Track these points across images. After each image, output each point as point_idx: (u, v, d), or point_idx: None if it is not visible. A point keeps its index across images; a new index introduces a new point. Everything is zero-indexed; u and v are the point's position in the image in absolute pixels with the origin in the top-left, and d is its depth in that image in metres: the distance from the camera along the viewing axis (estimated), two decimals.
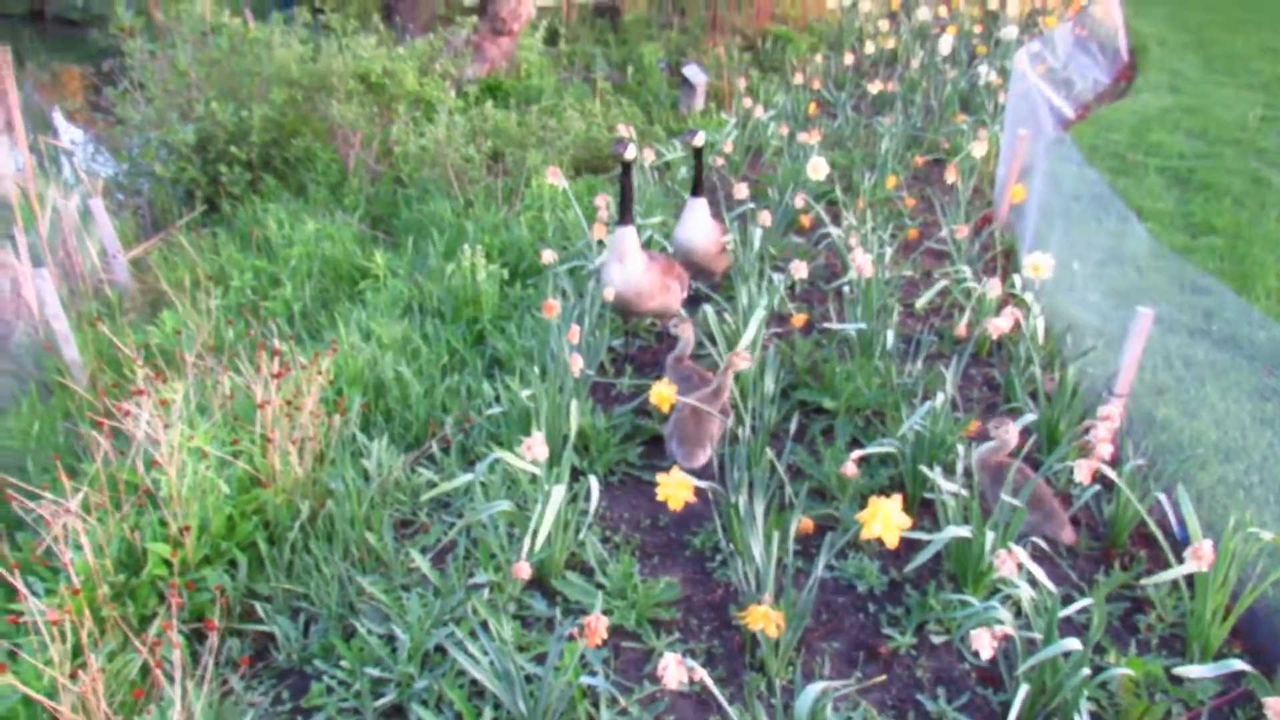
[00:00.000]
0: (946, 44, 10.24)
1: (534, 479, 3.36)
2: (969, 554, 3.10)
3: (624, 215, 4.39)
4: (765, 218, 5.28)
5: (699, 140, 5.03)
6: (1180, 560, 2.76)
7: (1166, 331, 4.32)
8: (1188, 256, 5.95)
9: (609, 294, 4.39)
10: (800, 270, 4.65)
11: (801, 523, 3.31)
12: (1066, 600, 3.00)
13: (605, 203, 5.52)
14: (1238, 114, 9.57)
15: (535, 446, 2.96)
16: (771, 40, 12.26)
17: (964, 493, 3.18)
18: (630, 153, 4.36)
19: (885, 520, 2.43)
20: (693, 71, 9.78)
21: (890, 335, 4.45)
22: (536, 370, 3.93)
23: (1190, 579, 3.07)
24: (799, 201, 6.01)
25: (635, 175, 6.04)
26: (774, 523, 3.29)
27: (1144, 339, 3.66)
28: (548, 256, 4.85)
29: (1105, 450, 3.02)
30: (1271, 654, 2.98)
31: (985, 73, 9.51)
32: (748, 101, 8.56)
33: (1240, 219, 6.73)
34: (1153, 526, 3.11)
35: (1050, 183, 5.55)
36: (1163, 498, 3.26)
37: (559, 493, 3.11)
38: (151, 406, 3.36)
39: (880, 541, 3.08)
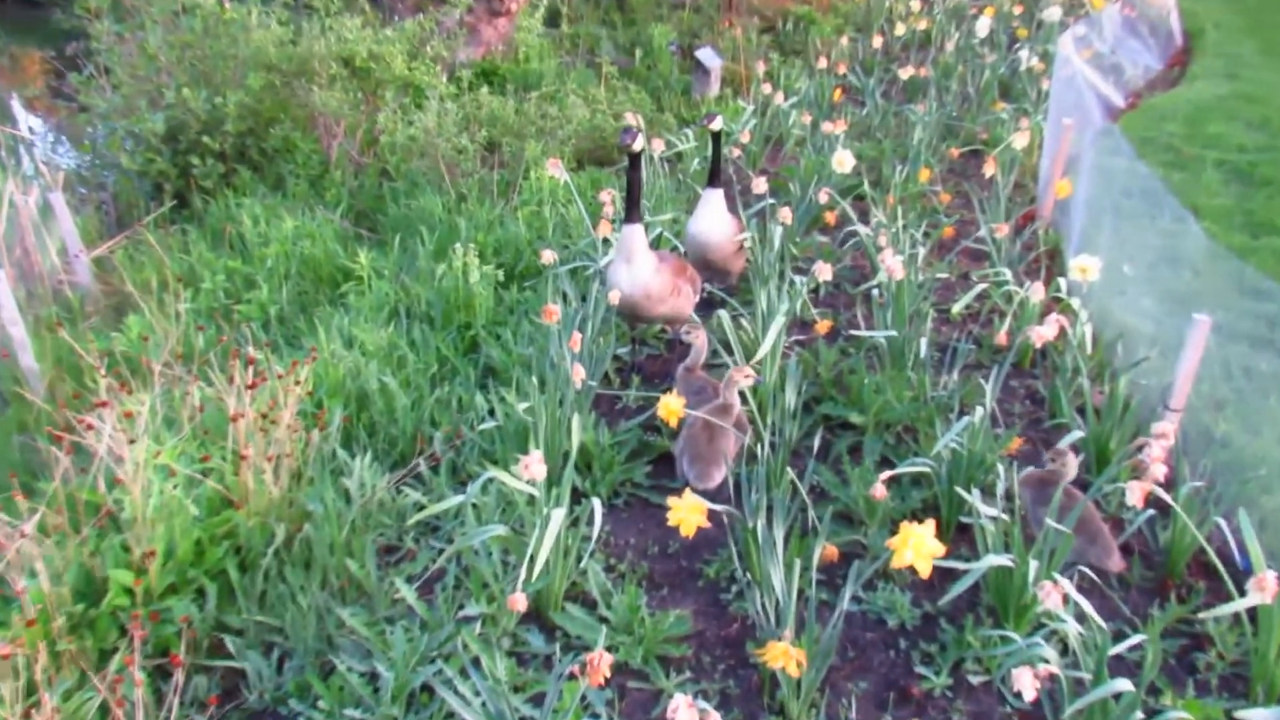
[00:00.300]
0: (984, 26, 10.22)
1: (531, 501, 3.35)
2: (1010, 585, 3.08)
3: (631, 211, 4.39)
4: (786, 215, 5.27)
5: (717, 124, 5.02)
6: (1242, 592, 2.73)
7: (1226, 340, 4.28)
8: (1248, 258, 5.91)
9: (614, 297, 4.38)
10: (825, 272, 4.63)
11: (825, 550, 3.28)
12: (1118, 636, 2.97)
13: (610, 198, 5.51)
14: None
15: (533, 465, 2.95)
16: (793, 21, 12.27)
17: (1004, 517, 3.16)
18: (638, 143, 4.36)
19: (918, 547, 2.41)
20: (707, 55, 9.79)
21: (923, 344, 4.43)
22: (535, 381, 3.92)
23: (1253, 613, 3.03)
24: (823, 197, 6.00)
25: (644, 168, 6.03)
26: (795, 550, 3.27)
27: (1201, 348, 3.64)
28: (547, 256, 4.85)
29: (1160, 471, 3.00)
30: None
31: (1026, 57, 9.49)
32: (767, 88, 8.56)
33: None
34: (1212, 555, 3.08)
35: (1098, 177, 5.53)
36: (1223, 523, 3.23)
37: (559, 516, 3.10)
38: (115, 419, 3.36)
39: (912, 571, 3.05)
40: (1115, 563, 3.29)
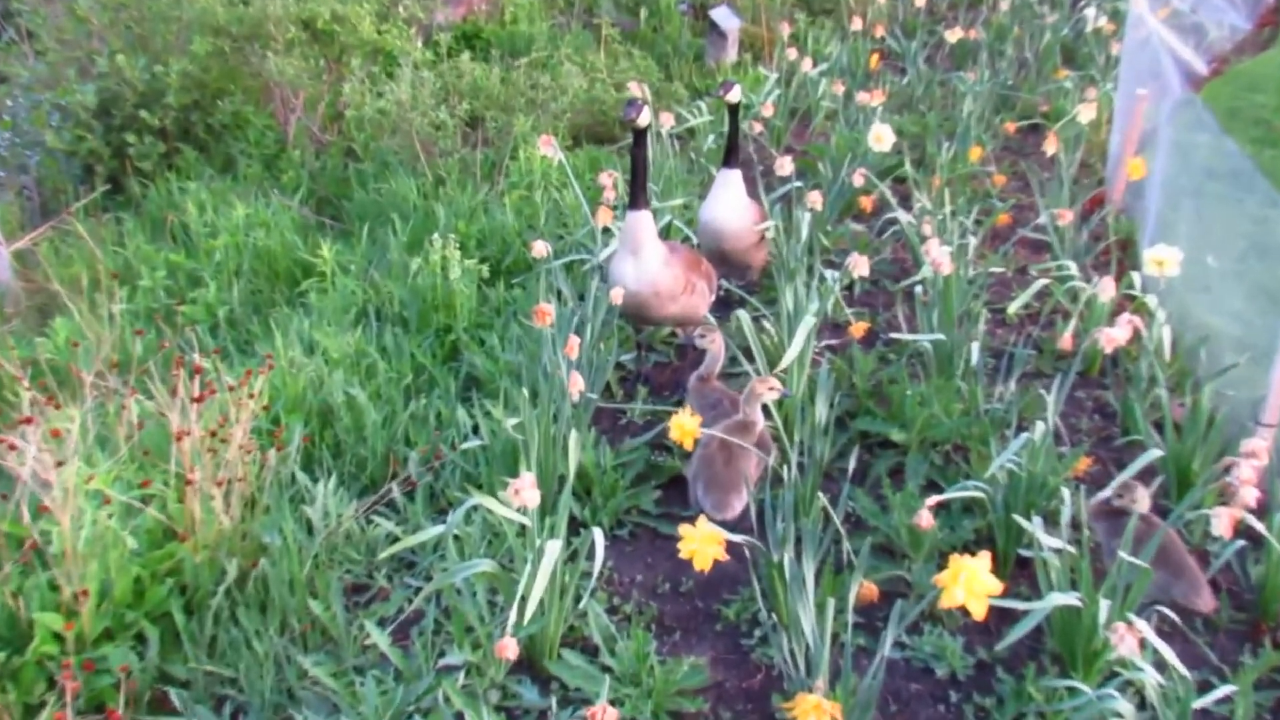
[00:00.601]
0: None
1: (522, 532, 3.36)
2: (1078, 628, 3.08)
3: (636, 196, 4.40)
4: (815, 199, 5.29)
5: (735, 95, 5.04)
6: None
7: None
8: None
9: (617, 296, 4.40)
10: (860, 266, 4.64)
11: (863, 588, 3.29)
12: (1203, 687, 2.98)
13: (612, 180, 5.53)
14: None
15: (524, 490, 2.95)
16: None
17: (1071, 549, 3.16)
18: (644, 117, 4.37)
19: (970, 585, 2.41)
20: (722, 15, 9.82)
21: (975, 349, 4.44)
22: (525, 393, 3.93)
23: None
24: (858, 179, 6.01)
25: (650, 145, 6.06)
26: (828, 588, 3.28)
27: None
28: (539, 249, 4.86)
29: (1250, 495, 3.00)
30: None
31: (1093, 16, 9.50)
32: (793, 53, 8.58)
33: None
34: None
35: (1177, 155, 5.54)
36: None
37: (554, 549, 3.11)
38: (40, 438, 3.38)
39: (964, 612, 3.05)
40: (1205, 601, 3.28)
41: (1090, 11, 9.66)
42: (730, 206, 5.08)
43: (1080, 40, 9.58)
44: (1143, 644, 2.64)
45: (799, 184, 5.88)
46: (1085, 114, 6.52)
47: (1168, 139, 5.68)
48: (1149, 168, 5.66)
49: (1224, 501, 3.04)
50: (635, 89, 7.42)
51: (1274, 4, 12.29)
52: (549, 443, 3.86)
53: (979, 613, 2.43)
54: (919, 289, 4.94)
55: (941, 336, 4.58)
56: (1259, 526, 3.14)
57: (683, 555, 2.67)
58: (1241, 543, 3.42)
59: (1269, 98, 8.73)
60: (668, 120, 6.65)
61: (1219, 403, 4.07)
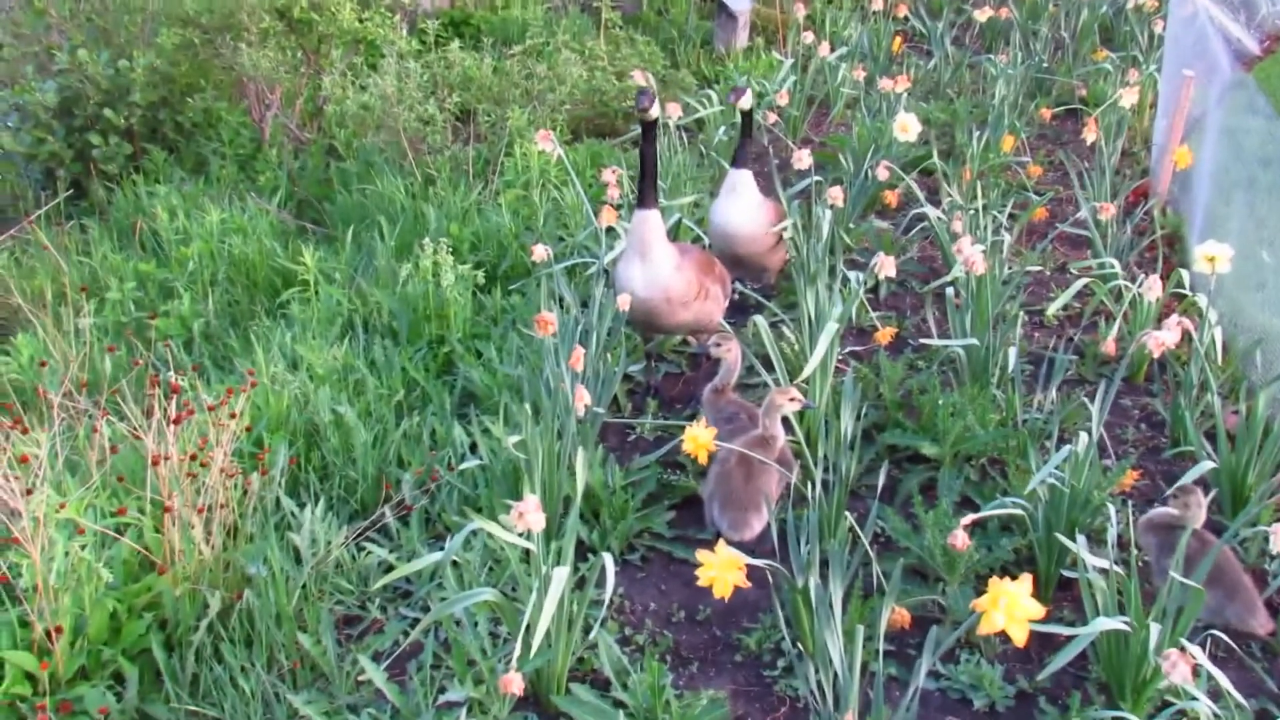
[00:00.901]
0: None
1: (526, 558, 3.39)
2: (1126, 654, 3.10)
3: (645, 194, 4.43)
4: (836, 195, 5.31)
5: (746, 101, 5.07)
6: None
7: None
8: None
9: (624, 302, 4.42)
10: (886, 266, 4.66)
11: (895, 614, 3.31)
12: (1262, 717, 3.00)
13: (616, 177, 5.55)
14: None
15: (528, 513, 2.97)
16: None
17: (1118, 570, 3.18)
18: (654, 109, 4.40)
19: (1010, 609, 2.43)
20: None
21: (1012, 354, 4.45)
22: (527, 409, 3.96)
23: None
24: (882, 172, 6.04)
25: (659, 139, 6.06)
26: (857, 614, 3.30)
27: None
28: (539, 252, 4.89)
29: None
30: None
31: None
32: (809, 36, 8.61)
33: None
34: None
35: (1228, 142, 5.56)
36: None
37: (561, 576, 3.13)
38: (6, 464, 3.40)
39: (1004, 638, 3.08)
40: (1261, 623, 3.30)
41: None
42: (742, 210, 5.09)
43: (1121, 18, 9.60)
44: (1196, 671, 2.65)
45: (818, 178, 5.90)
46: (1127, 98, 6.54)
47: (1217, 124, 5.71)
48: (1197, 156, 5.68)
49: None
50: (639, 77, 7.45)
51: None
52: (553, 462, 3.89)
53: (1020, 639, 2.45)
54: (950, 290, 4.95)
55: (975, 341, 4.60)
56: None
57: (701, 582, 2.69)
58: None
59: None
60: (675, 111, 6.68)
61: (1276, 410, 4.09)
